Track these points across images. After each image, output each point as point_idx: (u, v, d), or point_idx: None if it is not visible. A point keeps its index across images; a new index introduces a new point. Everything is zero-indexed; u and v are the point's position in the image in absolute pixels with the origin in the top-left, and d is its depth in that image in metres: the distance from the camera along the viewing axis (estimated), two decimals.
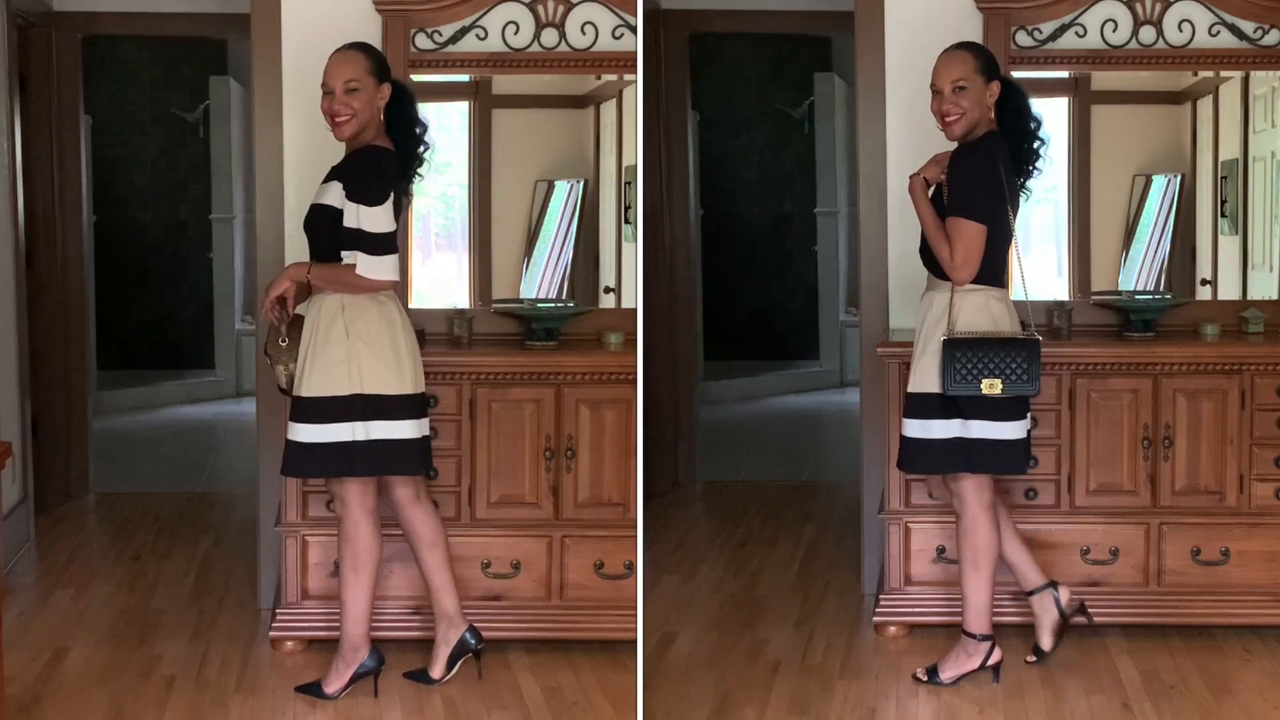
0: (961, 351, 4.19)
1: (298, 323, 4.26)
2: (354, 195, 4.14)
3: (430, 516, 4.40)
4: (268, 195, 4.95)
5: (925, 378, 4.29)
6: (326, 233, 4.19)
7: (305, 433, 4.21)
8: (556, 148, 5.23)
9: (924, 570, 4.77)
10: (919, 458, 4.34)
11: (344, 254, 4.17)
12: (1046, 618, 4.47)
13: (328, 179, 4.22)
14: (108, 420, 8.31)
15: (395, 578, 4.67)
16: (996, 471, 4.35)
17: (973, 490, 4.32)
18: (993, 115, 4.28)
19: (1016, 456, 4.31)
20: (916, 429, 4.31)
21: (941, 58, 4.30)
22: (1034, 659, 4.46)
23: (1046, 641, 4.47)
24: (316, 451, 4.21)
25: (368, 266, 4.14)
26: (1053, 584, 4.48)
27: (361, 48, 4.32)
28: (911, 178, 4.33)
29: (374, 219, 4.14)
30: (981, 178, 4.21)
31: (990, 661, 4.36)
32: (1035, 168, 4.41)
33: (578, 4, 4.95)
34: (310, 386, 4.20)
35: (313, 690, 4.31)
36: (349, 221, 4.14)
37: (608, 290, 5.12)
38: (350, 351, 4.18)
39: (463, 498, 4.70)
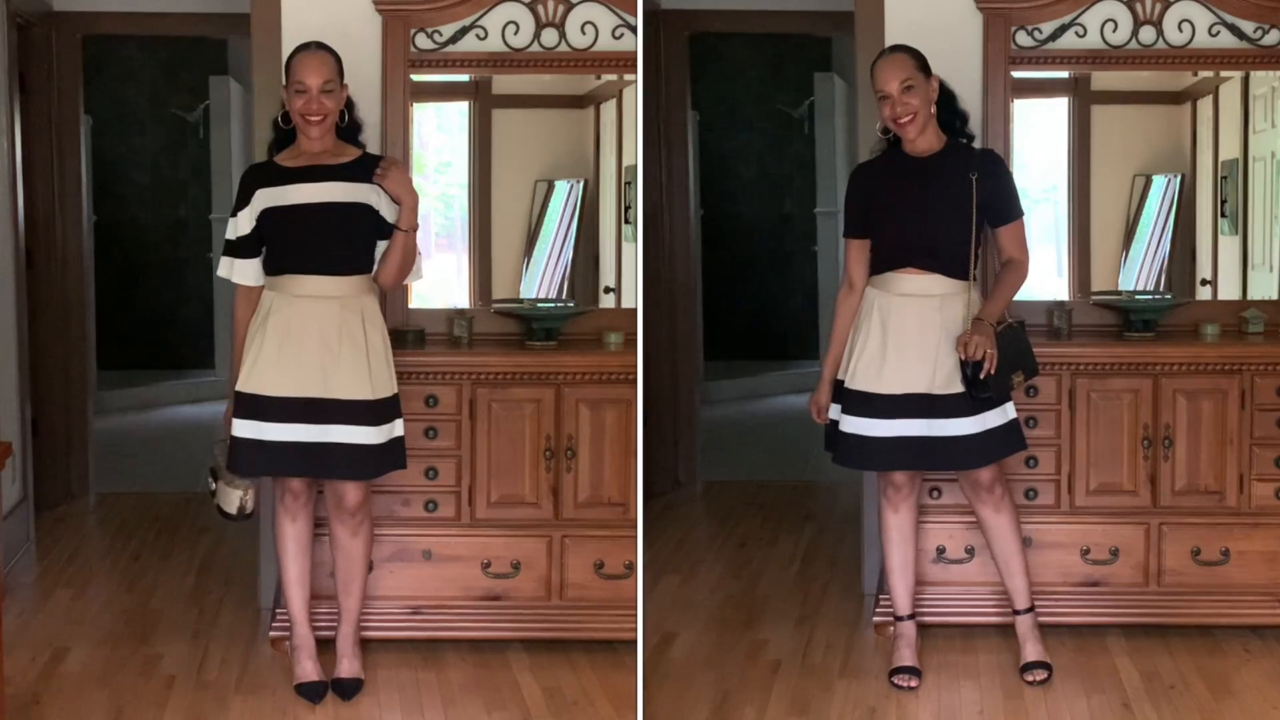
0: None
1: None
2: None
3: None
4: None
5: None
6: (368, 230, 4.30)
7: (385, 431, 4.29)
8: (556, 148, 5.23)
9: (924, 570, 4.76)
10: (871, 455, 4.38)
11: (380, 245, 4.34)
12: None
13: (352, 179, 4.27)
14: (108, 420, 8.30)
15: (394, 577, 4.68)
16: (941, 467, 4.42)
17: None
18: (933, 113, 4.30)
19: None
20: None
21: (881, 64, 4.29)
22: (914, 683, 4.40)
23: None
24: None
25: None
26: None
27: None
28: None
29: None
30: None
31: None
32: None
33: (578, 4, 4.95)
34: (379, 388, 4.26)
35: None
36: (390, 215, 4.31)
37: (608, 290, 5.12)
38: (389, 353, 4.37)
39: (463, 498, 4.70)
